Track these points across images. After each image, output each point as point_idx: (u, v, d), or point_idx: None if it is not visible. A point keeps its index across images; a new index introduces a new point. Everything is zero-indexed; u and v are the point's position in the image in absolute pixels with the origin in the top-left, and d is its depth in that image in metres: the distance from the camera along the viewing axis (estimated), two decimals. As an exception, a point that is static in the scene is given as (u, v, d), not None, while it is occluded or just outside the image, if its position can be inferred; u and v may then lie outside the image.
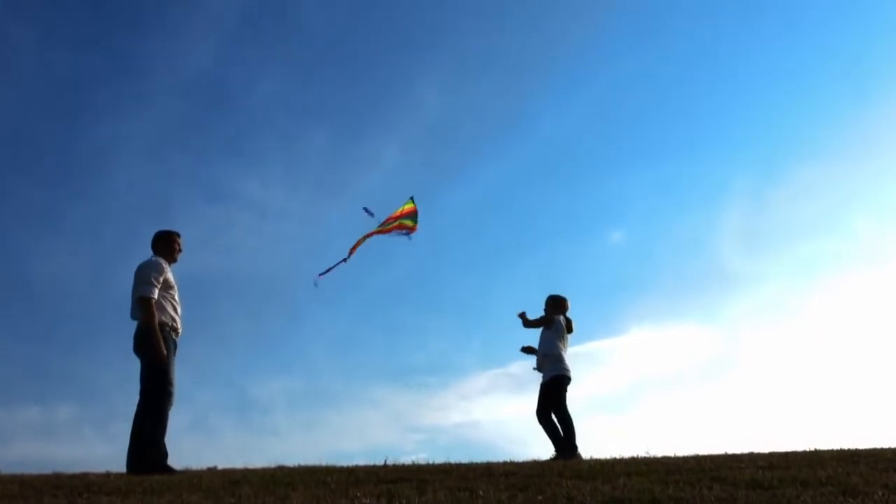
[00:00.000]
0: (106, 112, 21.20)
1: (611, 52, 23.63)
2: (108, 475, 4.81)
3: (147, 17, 21.29)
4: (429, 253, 21.64)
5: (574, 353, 7.62)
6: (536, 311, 7.78)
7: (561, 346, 7.49)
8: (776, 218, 21.70)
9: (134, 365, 5.57)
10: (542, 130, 23.51)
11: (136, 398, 5.48)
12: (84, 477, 4.61)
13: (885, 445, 5.55)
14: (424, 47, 23.74)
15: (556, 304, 7.72)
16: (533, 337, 7.75)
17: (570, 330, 7.64)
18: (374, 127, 22.87)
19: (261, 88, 22.45)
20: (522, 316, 7.67)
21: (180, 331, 5.74)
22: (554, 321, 7.57)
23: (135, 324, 5.60)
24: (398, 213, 8.19)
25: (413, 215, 8.19)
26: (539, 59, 23.92)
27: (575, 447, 7.04)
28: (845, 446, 5.70)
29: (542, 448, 7.29)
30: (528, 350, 7.73)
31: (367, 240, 7.91)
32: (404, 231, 8.16)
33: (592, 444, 7.14)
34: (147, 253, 5.82)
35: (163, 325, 5.53)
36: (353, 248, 7.75)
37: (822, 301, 20.10)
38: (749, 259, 21.46)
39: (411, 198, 8.28)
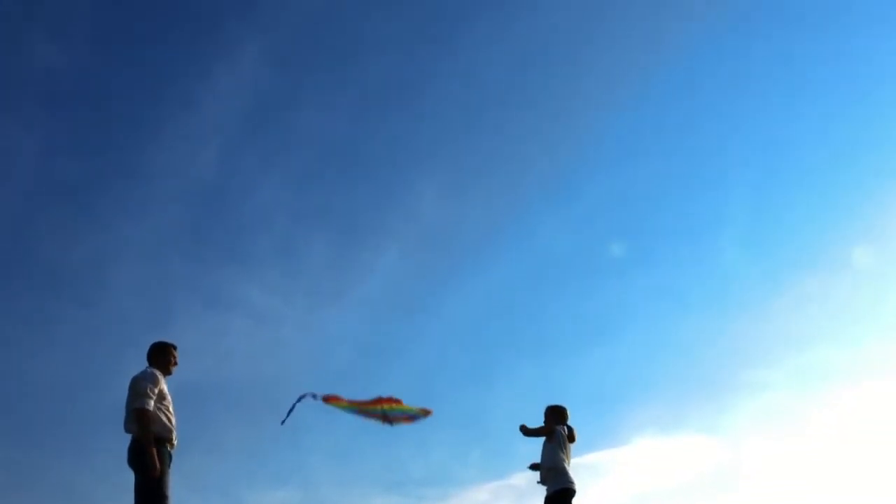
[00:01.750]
0: (106, 217, 21.52)
1: (610, 157, 24.09)
2: None
3: (148, 123, 21.89)
4: (427, 361, 21.49)
5: (576, 465, 7.43)
6: (536, 421, 7.63)
7: (564, 457, 7.32)
8: (778, 326, 21.61)
9: (128, 477, 5.45)
10: (541, 236, 23.71)
11: (127, 512, 5.34)
12: None
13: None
14: (423, 153, 24.37)
15: (556, 415, 7.59)
16: (535, 449, 7.63)
17: (572, 439, 7.49)
18: (373, 233, 23.17)
19: (260, 194, 22.91)
20: (523, 427, 7.53)
21: (175, 443, 5.66)
22: (555, 432, 7.41)
23: (129, 436, 5.51)
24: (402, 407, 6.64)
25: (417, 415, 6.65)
26: (538, 164, 24.50)
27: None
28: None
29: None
30: (535, 467, 7.57)
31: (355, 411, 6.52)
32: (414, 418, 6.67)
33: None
34: (143, 363, 5.82)
35: (157, 437, 5.46)
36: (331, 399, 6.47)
37: (826, 411, 19.75)
38: (750, 367, 21.29)
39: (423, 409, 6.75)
